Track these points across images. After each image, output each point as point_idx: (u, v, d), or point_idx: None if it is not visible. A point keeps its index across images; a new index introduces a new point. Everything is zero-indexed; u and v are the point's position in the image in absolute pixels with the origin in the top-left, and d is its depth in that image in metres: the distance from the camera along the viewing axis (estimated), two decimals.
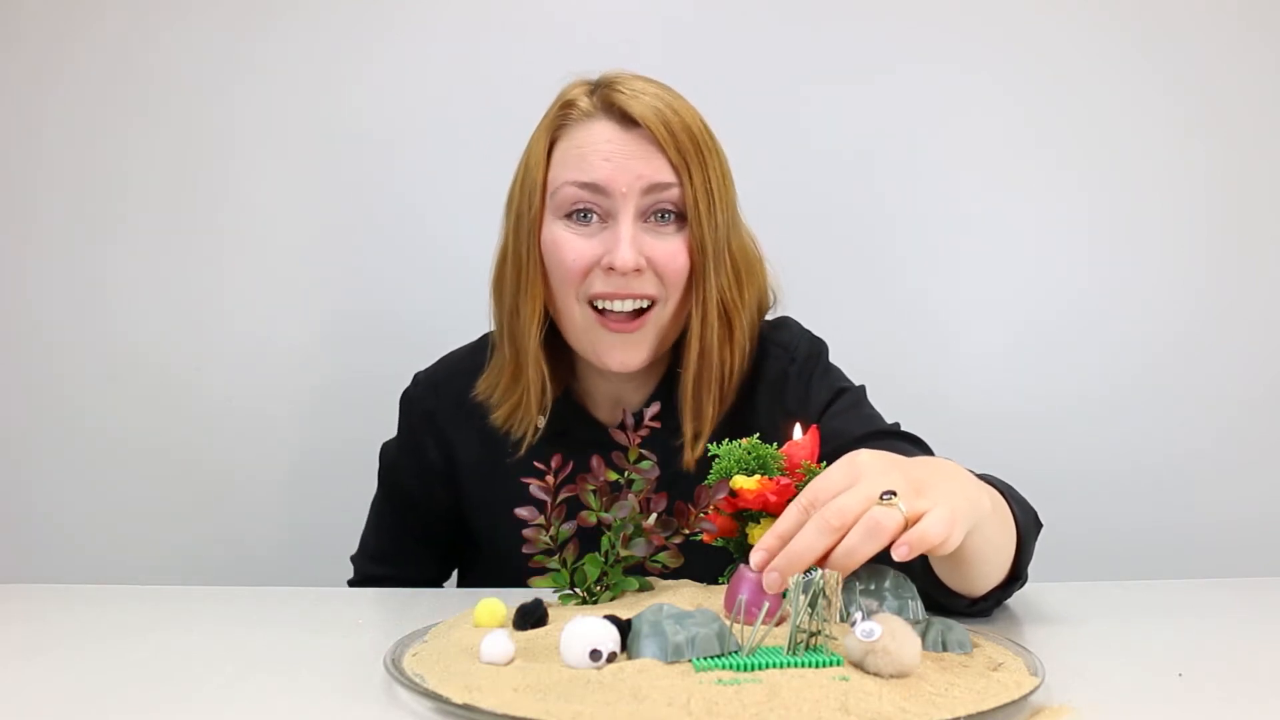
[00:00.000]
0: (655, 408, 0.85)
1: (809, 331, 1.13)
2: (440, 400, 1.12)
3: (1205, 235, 1.58)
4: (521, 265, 1.01)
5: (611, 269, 0.96)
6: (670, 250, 0.98)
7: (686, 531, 0.81)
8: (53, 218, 1.55)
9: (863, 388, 1.09)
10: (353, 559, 1.20)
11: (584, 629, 0.62)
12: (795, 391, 1.06)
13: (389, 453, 1.18)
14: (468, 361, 1.12)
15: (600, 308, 0.99)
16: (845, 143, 1.56)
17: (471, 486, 1.11)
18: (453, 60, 1.54)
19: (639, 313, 0.99)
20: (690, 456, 1.01)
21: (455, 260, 1.52)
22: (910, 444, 1.02)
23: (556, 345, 1.04)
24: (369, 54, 1.54)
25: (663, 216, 0.98)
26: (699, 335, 1.00)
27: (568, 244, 0.98)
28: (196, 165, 1.54)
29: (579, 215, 0.98)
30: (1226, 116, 1.57)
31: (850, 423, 1.01)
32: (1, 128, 1.54)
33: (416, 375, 1.16)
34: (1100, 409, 1.58)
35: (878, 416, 1.06)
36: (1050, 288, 1.58)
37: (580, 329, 1.00)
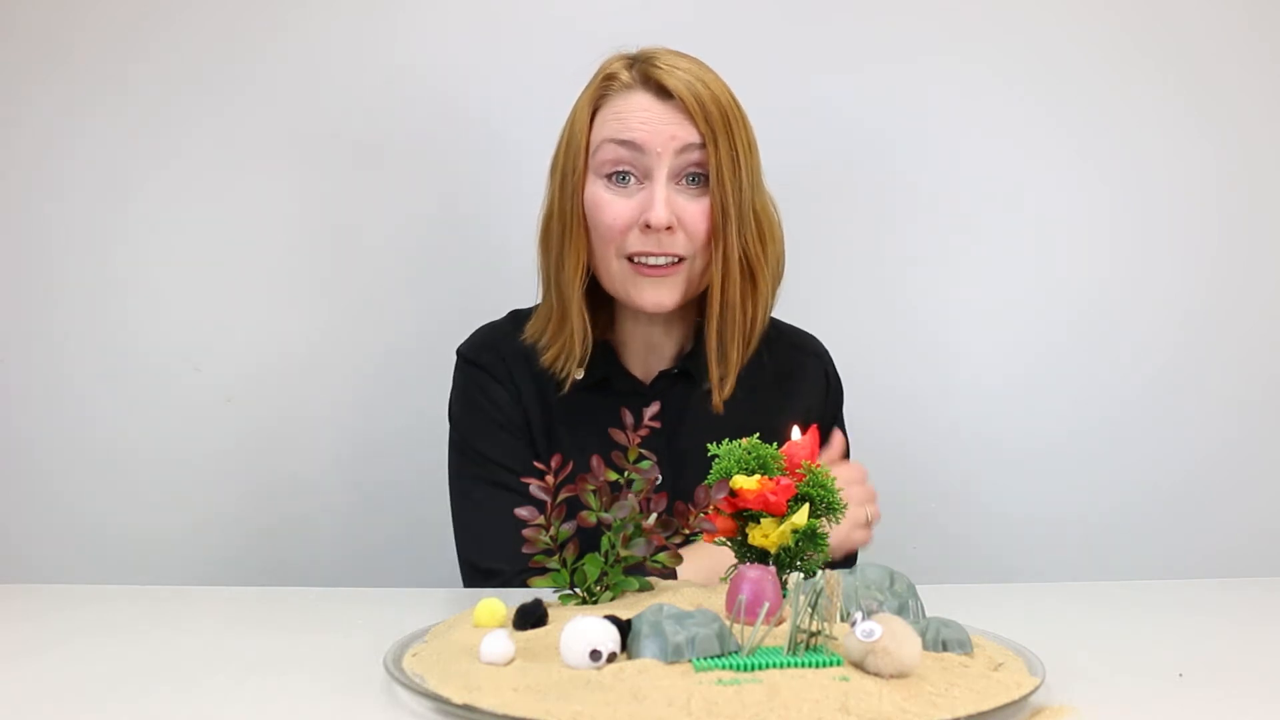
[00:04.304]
0: (655, 407, 0.85)
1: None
2: (496, 354, 1.18)
3: (1217, 237, 1.58)
4: (566, 221, 1.10)
5: (648, 226, 1.06)
6: (698, 211, 1.08)
7: (686, 531, 0.81)
8: (53, 217, 1.55)
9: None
10: (475, 569, 1.11)
11: (584, 629, 0.62)
12: (832, 398, 1.22)
13: (460, 425, 1.17)
14: (505, 328, 1.20)
15: (636, 261, 1.09)
16: (845, 141, 1.56)
17: (534, 431, 1.15)
18: (463, 55, 1.54)
19: (671, 265, 1.09)
20: (718, 398, 1.12)
21: (464, 261, 1.52)
22: None
23: (597, 297, 1.14)
24: (375, 47, 1.54)
25: (692, 179, 1.09)
26: (720, 288, 1.10)
27: (608, 204, 1.08)
28: (200, 163, 1.54)
29: (618, 177, 1.08)
30: (1238, 117, 1.57)
31: None
32: (2, 125, 1.54)
33: (460, 348, 1.20)
34: (1103, 414, 1.58)
35: None
36: (1055, 292, 1.58)
37: (618, 279, 1.10)
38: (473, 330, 1.21)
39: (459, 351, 1.20)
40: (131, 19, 1.53)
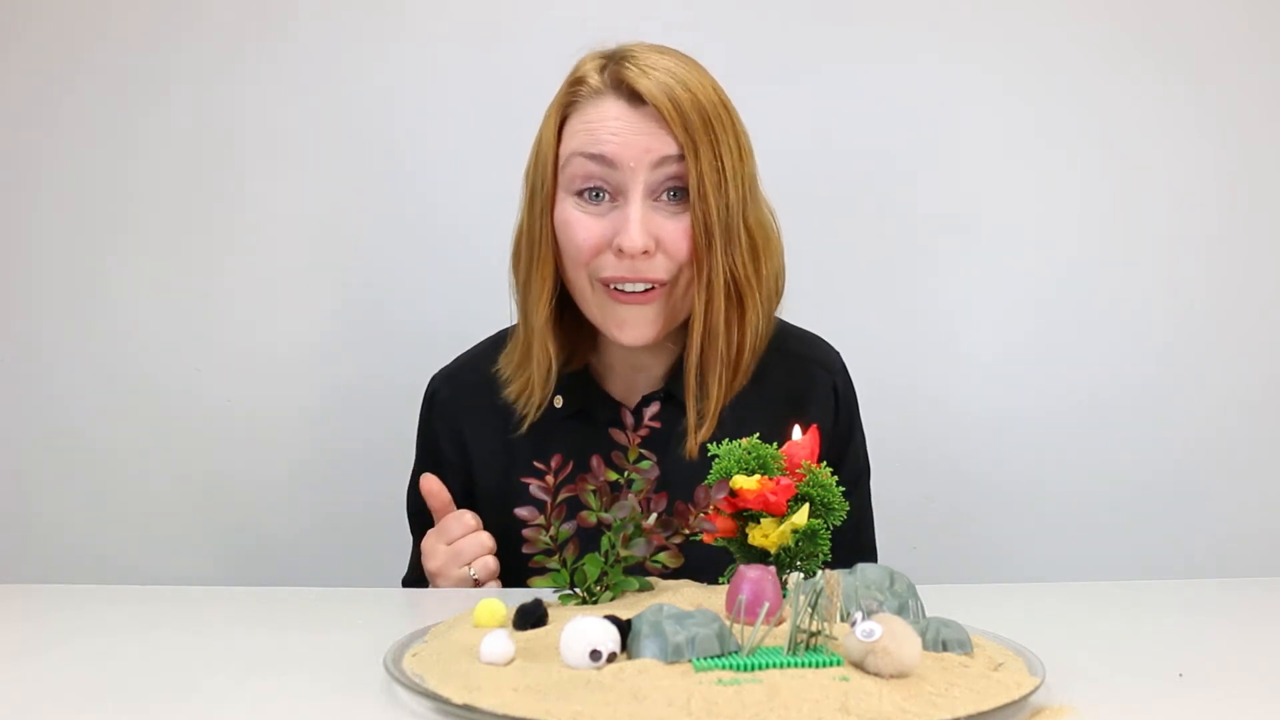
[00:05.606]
0: (655, 407, 0.85)
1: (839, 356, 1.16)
2: (455, 391, 1.14)
3: (1214, 234, 1.58)
4: (535, 241, 1.02)
5: (621, 251, 0.96)
6: (678, 231, 0.98)
7: (686, 531, 0.81)
8: (53, 218, 1.55)
9: (867, 465, 1.15)
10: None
11: (584, 629, 0.62)
12: (844, 418, 1.11)
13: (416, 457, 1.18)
14: (483, 353, 1.14)
15: (612, 287, 1.00)
16: (846, 140, 1.56)
17: (484, 479, 1.11)
18: (464, 57, 1.54)
19: (650, 290, 1.00)
20: (692, 443, 1.01)
21: (463, 261, 1.52)
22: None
23: (578, 318, 1.05)
24: (378, 51, 1.54)
25: (673, 195, 0.98)
26: (703, 316, 0.99)
27: (578, 224, 0.98)
28: (200, 164, 1.54)
29: (591, 194, 0.98)
30: (1237, 115, 1.57)
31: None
32: (3, 126, 1.54)
33: (434, 374, 1.17)
34: (1103, 410, 1.58)
35: (865, 514, 1.15)
36: (1056, 293, 1.58)
37: (593, 304, 1.01)
38: (457, 351, 1.18)
39: (430, 378, 1.17)
40: (134, 19, 1.53)
